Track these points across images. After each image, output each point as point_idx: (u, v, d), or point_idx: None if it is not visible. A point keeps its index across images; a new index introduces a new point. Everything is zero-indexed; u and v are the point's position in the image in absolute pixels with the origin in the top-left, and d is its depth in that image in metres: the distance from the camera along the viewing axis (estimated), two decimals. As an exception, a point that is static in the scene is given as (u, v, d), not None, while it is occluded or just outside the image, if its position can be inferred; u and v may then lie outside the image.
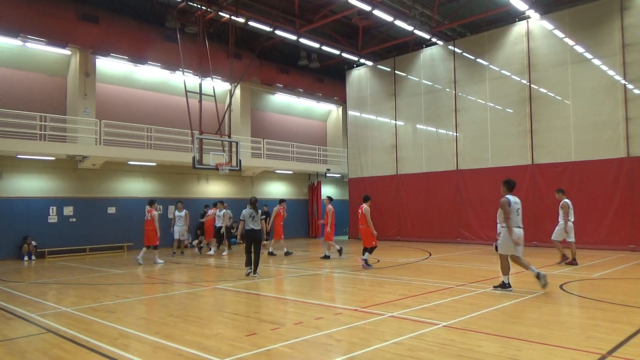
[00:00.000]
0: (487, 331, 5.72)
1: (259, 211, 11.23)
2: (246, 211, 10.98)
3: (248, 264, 11.08)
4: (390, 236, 21.28)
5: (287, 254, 15.85)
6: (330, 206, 14.62)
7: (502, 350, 4.95)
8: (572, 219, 11.94)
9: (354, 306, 7.36)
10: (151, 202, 14.65)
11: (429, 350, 5.02)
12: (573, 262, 11.83)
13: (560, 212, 11.93)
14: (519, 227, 8.29)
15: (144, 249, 14.24)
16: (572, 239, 11.83)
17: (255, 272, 11.01)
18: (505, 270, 8.52)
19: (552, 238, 12.12)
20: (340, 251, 14.82)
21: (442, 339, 5.45)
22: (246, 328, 6.17)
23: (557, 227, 12.04)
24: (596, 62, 16.55)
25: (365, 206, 12.01)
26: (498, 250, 8.85)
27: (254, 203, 11.17)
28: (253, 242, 10.96)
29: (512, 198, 8.32)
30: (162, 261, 14.37)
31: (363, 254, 11.98)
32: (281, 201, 16.80)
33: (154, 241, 14.05)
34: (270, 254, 15.85)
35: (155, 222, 14.03)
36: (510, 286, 8.48)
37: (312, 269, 12.63)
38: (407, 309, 7.10)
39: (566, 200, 12.03)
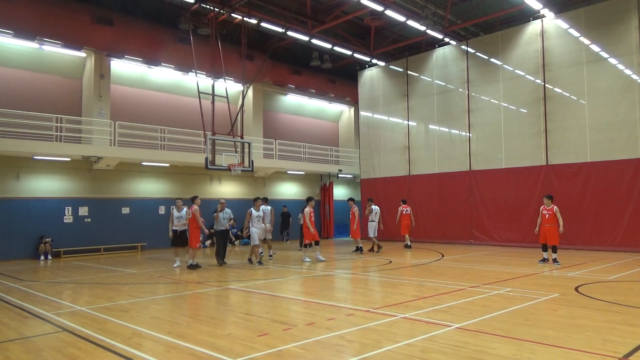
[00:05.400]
0: (501, 333, 5.66)
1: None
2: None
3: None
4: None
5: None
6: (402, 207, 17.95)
7: (516, 353, 4.90)
8: (376, 220, 16.83)
9: (366, 307, 7.34)
10: (309, 199, 15.33)
11: (441, 352, 4.98)
12: (359, 251, 16.55)
13: (370, 215, 16.89)
14: (257, 228, 13.48)
15: (316, 247, 14.77)
16: (372, 234, 16.80)
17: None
18: (256, 255, 13.57)
19: (369, 235, 16.84)
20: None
21: (454, 340, 5.41)
22: (258, 328, 6.18)
23: (368, 227, 16.92)
24: (612, 61, 16.29)
25: (555, 207, 12.59)
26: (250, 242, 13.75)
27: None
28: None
29: (254, 211, 13.61)
30: (324, 259, 14.62)
31: (554, 252, 12.48)
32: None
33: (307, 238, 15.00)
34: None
35: (307, 220, 14.86)
36: (262, 263, 13.42)
37: (324, 269, 12.63)
38: (419, 310, 7.06)
39: (373, 206, 17.08)
